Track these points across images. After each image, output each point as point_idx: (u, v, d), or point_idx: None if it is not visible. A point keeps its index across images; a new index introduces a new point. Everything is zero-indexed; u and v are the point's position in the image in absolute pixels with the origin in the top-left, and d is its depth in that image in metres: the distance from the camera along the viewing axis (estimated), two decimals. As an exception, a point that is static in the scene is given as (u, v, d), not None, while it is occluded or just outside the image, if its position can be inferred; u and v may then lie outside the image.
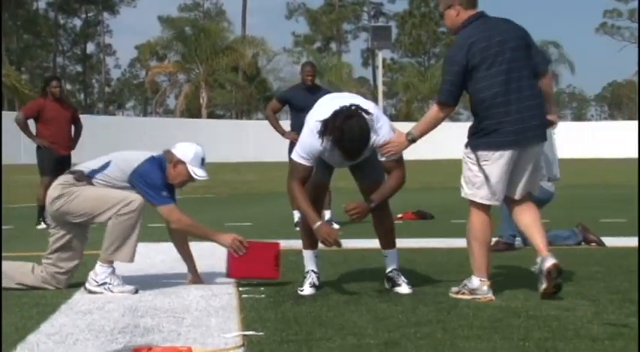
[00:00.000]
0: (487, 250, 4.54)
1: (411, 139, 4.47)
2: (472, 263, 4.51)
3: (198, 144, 4.89)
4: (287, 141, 8.33)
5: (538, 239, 4.55)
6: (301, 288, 4.60)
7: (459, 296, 4.44)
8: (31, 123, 9.02)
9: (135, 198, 4.58)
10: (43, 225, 8.67)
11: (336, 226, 8.32)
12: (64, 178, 4.70)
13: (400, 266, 4.81)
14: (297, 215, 8.34)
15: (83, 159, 5.10)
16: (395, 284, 4.67)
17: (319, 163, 4.61)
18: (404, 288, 4.62)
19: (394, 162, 4.51)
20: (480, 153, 4.46)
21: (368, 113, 4.33)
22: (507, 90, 4.37)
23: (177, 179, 4.78)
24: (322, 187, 4.77)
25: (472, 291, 4.43)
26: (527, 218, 4.61)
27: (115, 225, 4.55)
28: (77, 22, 71.90)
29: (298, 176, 4.47)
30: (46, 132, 8.91)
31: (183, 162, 4.75)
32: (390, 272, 4.75)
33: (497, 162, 4.42)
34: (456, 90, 4.41)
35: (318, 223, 4.44)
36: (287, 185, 4.64)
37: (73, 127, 9.26)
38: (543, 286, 4.33)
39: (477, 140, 4.46)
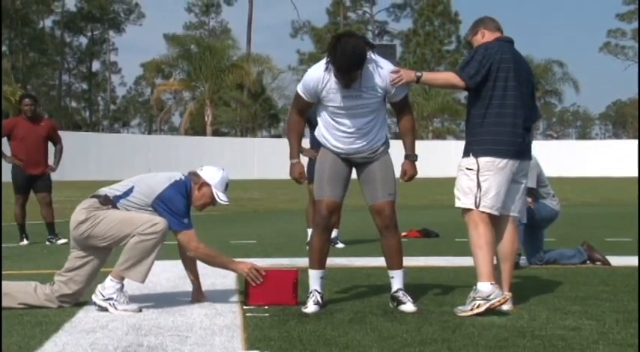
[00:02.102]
0: (493, 256, 4.56)
1: (418, 77, 4.62)
2: (479, 270, 4.48)
3: (224, 169, 4.95)
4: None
5: (505, 273, 4.70)
6: (305, 306, 4.59)
7: (475, 311, 4.37)
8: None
9: (160, 221, 4.59)
10: (25, 242, 8.72)
11: (341, 245, 8.30)
12: (89, 202, 4.69)
13: (405, 285, 4.79)
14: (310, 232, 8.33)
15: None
16: (400, 302, 4.64)
17: (332, 177, 4.72)
18: (409, 307, 4.58)
19: (404, 101, 4.74)
20: (484, 159, 4.55)
21: (372, 47, 4.52)
22: (517, 106, 4.59)
23: (200, 201, 4.82)
24: (334, 207, 4.75)
25: (487, 298, 4.39)
26: (508, 248, 4.73)
27: (136, 242, 4.54)
28: (83, 40, 72.44)
29: (298, 106, 4.78)
30: (17, 150, 8.93)
31: (209, 185, 4.80)
32: (396, 292, 4.72)
33: (500, 171, 4.54)
34: (478, 78, 4.54)
35: (295, 160, 4.79)
36: (288, 118, 4.99)
37: (53, 146, 9.18)
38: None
39: (481, 146, 4.57)
